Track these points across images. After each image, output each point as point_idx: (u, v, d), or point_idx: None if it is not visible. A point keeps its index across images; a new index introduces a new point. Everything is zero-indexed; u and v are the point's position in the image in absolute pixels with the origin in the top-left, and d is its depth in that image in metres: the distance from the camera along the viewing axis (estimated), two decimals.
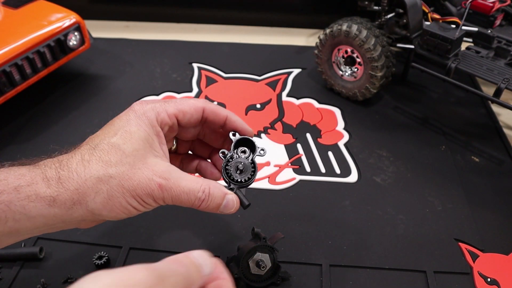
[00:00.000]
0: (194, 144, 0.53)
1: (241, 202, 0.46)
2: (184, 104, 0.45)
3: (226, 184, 0.48)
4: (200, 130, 0.50)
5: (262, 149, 0.47)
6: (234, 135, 0.48)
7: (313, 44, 1.26)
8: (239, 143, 0.48)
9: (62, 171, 0.38)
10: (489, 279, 0.74)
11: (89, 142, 0.42)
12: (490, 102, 1.17)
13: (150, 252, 0.77)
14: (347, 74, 1.16)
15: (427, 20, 1.06)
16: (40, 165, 0.39)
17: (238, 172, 0.46)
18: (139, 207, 0.40)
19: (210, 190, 0.42)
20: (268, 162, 0.98)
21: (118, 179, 0.38)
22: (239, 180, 0.46)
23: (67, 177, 0.37)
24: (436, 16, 1.05)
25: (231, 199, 0.44)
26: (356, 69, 1.13)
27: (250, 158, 0.47)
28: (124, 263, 0.75)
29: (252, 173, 0.46)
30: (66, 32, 1.08)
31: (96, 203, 0.38)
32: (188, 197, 0.41)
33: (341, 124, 1.10)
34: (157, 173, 0.40)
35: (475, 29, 1.04)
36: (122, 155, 0.39)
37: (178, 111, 0.44)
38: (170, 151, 0.51)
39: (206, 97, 1.18)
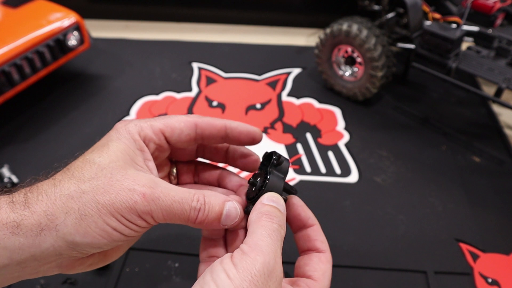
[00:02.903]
0: (198, 170, 0.45)
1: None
2: (172, 119, 0.38)
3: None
4: (198, 147, 0.43)
5: (279, 157, 0.39)
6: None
7: (313, 44, 1.26)
8: (267, 161, 0.40)
9: (30, 194, 0.32)
10: (490, 280, 0.73)
11: (65, 164, 0.36)
12: (491, 102, 1.17)
13: (149, 253, 0.77)
14: (347, 74, 1.16)
15: (427, 19, 1.06)
16: (11, 191, 0.33)
17: (252, 187, 0.39)
18: (121, 227, 0.32)
19: (205, 198, 0.35)
20: None
21: (92, 194, 0.31)
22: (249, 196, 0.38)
23: (35, 199, 0.31)
24: (437, 15, 1.05)
25: (233, 207, 0.36)
26: (356, 69, 1.13)
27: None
28: (124, 263, 0.75)
29: (261, 186, 0.38)
30: (65, 31, 1.08)
31: (67, 226, 0.31)
32: (182, 207, 0.33)
33: (341, 124, 1.10)
34: (140, 183, 0.33)
35: (476, 28, 1.03)
36: (97, 169, 0.33)
37: (165, 126, 0.38)
38: (170, 183, 0.42)
39: (206, 97, 1.18)
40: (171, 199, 0.33)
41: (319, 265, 0.37)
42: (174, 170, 0.44)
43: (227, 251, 0.40)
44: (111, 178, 0.32)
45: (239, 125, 0.41)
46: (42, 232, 0.31)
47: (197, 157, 0.44)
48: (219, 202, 0.36)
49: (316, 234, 0.39)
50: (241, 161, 0.43)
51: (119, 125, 0.37)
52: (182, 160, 0.44)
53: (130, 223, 0.32)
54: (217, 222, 0.35)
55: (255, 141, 0.41)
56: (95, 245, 0.32)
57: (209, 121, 0.40)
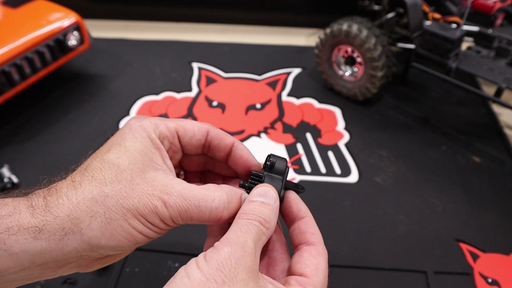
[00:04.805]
0: (205, 175, 0.45)
1: None
2: (187, 122, 0.39)
3: None
4: (207, 159, 0.43)
5: (269, 160, 0.39)
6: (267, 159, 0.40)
7: (313, 44, 1.26)
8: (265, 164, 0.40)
9: (50, 197, 0.32)
10: (490, 280, 0.73)
11: (80, 164, 0.36)
12: (491, 102, 1.17)
13: (149, 253, 0.77)
14: (347, 74, 1.16)
15: (427, 19, 1.06)
16: (28, 194, 0.33)
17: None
18: (145, 230, 0.33)
19: (228, 196, 0.35)
20: None
21: (116, 198, 0.32)
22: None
23: (55, 203, 0.31)
24: (437, 15, 1.05)
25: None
26: (356, 69, 1.13)
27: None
28: (124, 263, 0.75)
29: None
30: (65, 31, 1.08)
31: (93, 230, 0.31)
32: (199, 210, 0.34)
33: (341, 124, 1.10)
34: (158, 188, 0.33)
35: (476, 28, 1.03)
36: (117, 171, 0.33)
37: (179, 126, 0.38)
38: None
39: (206, 97, 1.18)
40: (187, 203, 0.34)
41: (310, 260, 0.35)
42: (182, 176, 0.44)
43: None
44: (132, 182, 0.33)
45: (244, 150, 0.41)
46: (66, 236, 0.31)
47: (205, 168, 0.44)
48: (238, 198, 0.36)
49: (306, 226, 0.38)
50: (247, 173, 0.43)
51: (132, 122, 0.37)
52: (190, 170, 0.44)
53: (153, 226, 0.33)
54: (234, 216, 0.36)
55: (248, 172, 0.41)
56: (119, 247, 0.33)
57: (220, 133, 0.40)
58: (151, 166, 0.35)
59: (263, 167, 0.41)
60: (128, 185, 0.33)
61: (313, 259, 0.35)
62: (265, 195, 0.36)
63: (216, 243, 0.32)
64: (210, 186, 0.35)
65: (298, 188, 0.40)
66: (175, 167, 0.41)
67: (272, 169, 0.39)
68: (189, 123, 0.39)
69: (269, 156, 0.39)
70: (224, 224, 0.40)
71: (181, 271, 0.30)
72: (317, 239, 0.37)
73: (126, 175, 0.33)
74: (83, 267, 0.35)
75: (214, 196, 0.34)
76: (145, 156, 0.35)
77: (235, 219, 0.34)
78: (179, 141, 0.39)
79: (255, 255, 0.32)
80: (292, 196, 0.39)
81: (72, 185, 0.33)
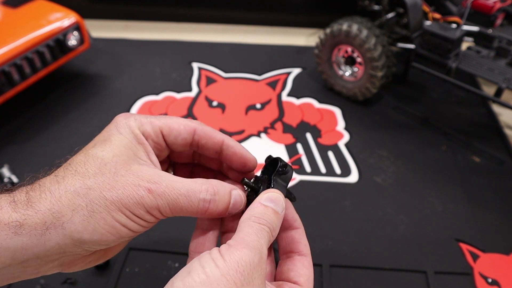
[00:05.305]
0: (194, 170, 0.45)
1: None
2: (173, 120, 0.38)
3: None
4: (196, 153, 0.43)
5: (285, 166, 0.38)
6: (268, 159, 0.40)
7: (313, 44, 1.26)
8: (271, 167, 0.39)
9: (32, 192, 0.31)
10: (490, 280, 0.73)
11: (65, 160, 0.35)
12: (491, 102, 1.17)
13: (149, 253, 0.77)
14: (347, 74, 1.16)
15: (427, 19, 1.06)
16: (11, 191, 0.33)
17: (253, 192, 0.39)
18: (130, 223, 0.32)
19: (214, 188, 0.35)
20: None
21: (99, 190, 0.31)
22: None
23: (38, 198, 0.31)
24: (437, 15, 1.05)
25: (238, 194, 0.37)
26: (356, 69, 1.13)
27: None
28: (124, 263, 0.75)
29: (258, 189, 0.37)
30: (65, 31, 1.08)
31: (75, 224, 0.30)
32: (188, 200, 0.33)
33: (341, 124, 1.10)
34: (144, 178, 0.32)
35: (476, 28, 1.03)
36: (101, 163, 0.32)
37: (164, 125, 0.37)
38: None
39: (206, 97, 1.18)
40: (177, 193, 0.33)
41: (303, 270, 0.37)
42: (171, 171, 0.44)
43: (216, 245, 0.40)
44: (116, 174, 0.32)
45: (236, 146, 0.40)
46: (48, 231, 0.30)
47: (194, 161, 0.44)
48: (226, 192, 0.36)
49: (300, 237, 0.39)
50: (236, 172, 0.42)
51: (119, 119, 0.37)
52: (179, 162, 0.44)
53: (138, 219, 0.32)
54: (224, 212, 0.36)
55: (245, 167, 0.40)
56: (103, 242, 0.32)
57: (208, 131, 0.39)
58: (135, 160, 0.34)
59: (265, 168, 0.40)
60: (112, 177, 0.32)
61: (306, 270, 0.37)
62: (276, 202, 0.36)
63: (231, 242, 0.31)
64: (198, 180, 0.35)
65: (291, 196, 0.41)
66: (163, 162, 0.41)
67: (282, 175, 0.38)
68: (175, 121, 0.38)
69: (279, 160, 0.38)
70: (215, 219, 0.40)
71: (197, 266, 0.30)
72: (308, 251, 0.39)
73: (110, 167, 0.32)
74: (66, 266, 0.34)
75: (201, 188, 0.34)
76: (130, 150, 0.35)
77: (245, 220, 0.34)
78: (164, 140, 0.38)
79: (266, 262, 0.32)
80: (288, 205, 0.40)
81: (55, 180, 0.32)
